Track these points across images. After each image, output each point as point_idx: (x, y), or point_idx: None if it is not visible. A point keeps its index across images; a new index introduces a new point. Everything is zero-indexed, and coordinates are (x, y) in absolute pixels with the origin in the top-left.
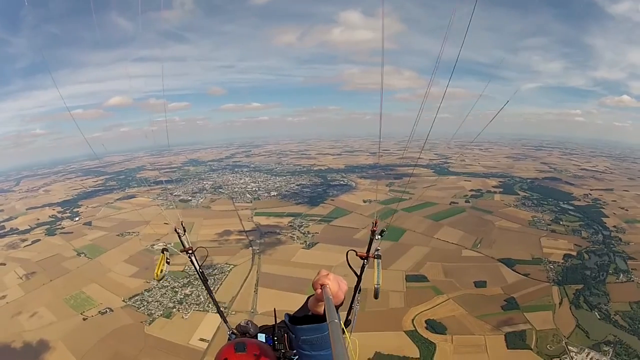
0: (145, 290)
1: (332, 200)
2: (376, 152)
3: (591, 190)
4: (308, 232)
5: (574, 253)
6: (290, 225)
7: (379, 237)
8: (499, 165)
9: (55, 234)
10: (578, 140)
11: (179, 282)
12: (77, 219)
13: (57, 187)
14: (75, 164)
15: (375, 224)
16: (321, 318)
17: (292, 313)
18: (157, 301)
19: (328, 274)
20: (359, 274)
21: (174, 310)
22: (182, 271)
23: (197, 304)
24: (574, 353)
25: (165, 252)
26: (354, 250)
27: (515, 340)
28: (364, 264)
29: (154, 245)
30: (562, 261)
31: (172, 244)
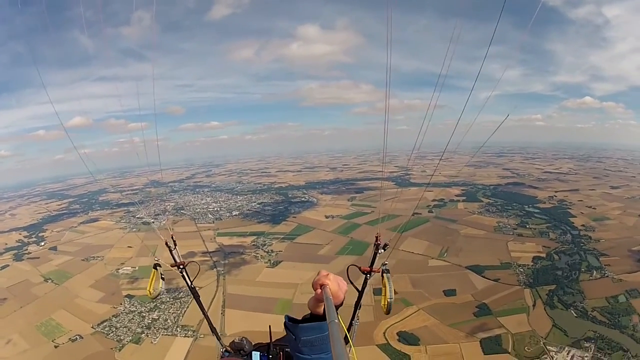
0: (112, 315)
1: (295, 217)
2: (336, 167)
3: (556, 192)
4: (272, 250)
5: (544, 255)
6: (254, 245)
7: (382, 250)
8: (461, 174)
9: (23, 259)
10: (540, 145)
11: (146, 307)
12: (42, 243)
13: (22, 210)
14: (39, 186)
15: (378, 238)
16: (322, 318)
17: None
18: (125, 327)
19: (328, 274)
20: (360, 289)
21: (143, 335)
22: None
23: (165, 329)
24: (553, 352)
25: (157, 267)
26: (356, 266)
27: (491, 345)
28: (366, 278)
29: (118, 269)
30: (532, 264)
31: (158, 259)
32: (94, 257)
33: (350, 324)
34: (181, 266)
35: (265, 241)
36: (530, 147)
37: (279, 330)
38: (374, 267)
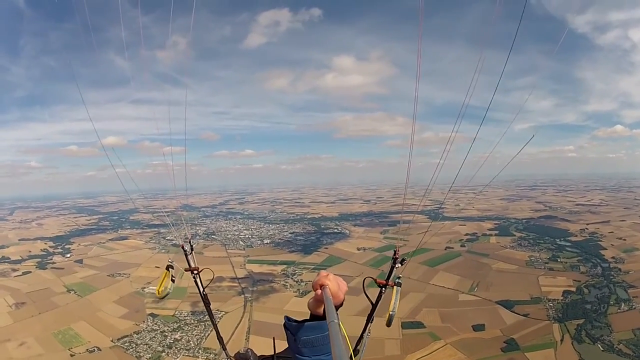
0: (134, 332)
1: (326, 248)
2: (369, 199)
3: (587, 224)
4: (301, 280)
5: (574, 289)
6: (284, 274)
7: (399, 265)
8: (494, 208)
9: (47, 268)
10: (572, 176)
11: (169, 327)
12: (68, 255)
13: (50, 221)
14: (69, 200)
15: (397, 252)
16: (322, 319)
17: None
18: (146, 344)
19: (328, 275)
20: (374, 302)
21: (163, 354)
22: (173, 315)
23: (186, 349)
24: None
25: (170, 269)
26: (372, 278)
27: None
28: (381, 291)
29: (144, 288)
30: (562, 298)
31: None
32: (120, 273)
33: (361, 337)
34: (195, 271)
35: (295, 270)
36: (562, 179)
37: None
38: (390, 280)
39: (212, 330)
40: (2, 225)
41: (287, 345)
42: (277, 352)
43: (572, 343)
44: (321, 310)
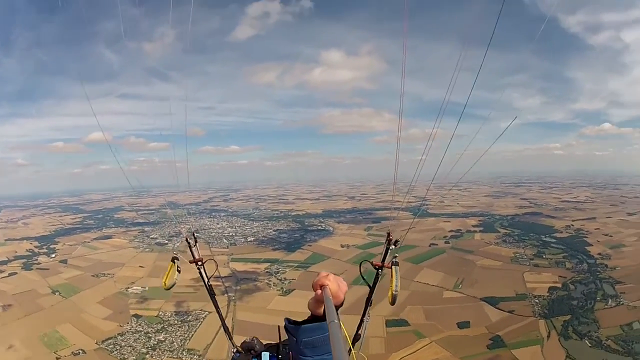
0: (118, 334)
1: (310, 245)
2: (354, 196)
3: (573, 221)
4: (285, 278)
5: (559, 285)
6: (267, 272)
7: (393, 247)
8: (478, 204)
9: (32, 269)
10: (558, 174)
11: (153, 328)
12: (53, 255)
13: (35, 220)
14: (55, 199)
15: (390, 234)
16: (322, 319)
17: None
18: (130, 346)
19: (328, 275)
20: (371, 285)
21: (147, 356)
22: (157, 316)
23: (170, 351)
24: None
25: (176, 260)
26: (369, 261)
27: None
28: (377, 273)
29: (128, 288)
30: (547, 294)
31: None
32: (104, 274)
33: (361, 321)
34: (199, 262)
35: (279, 269)
36: (548, 177)
37: None
38: (385, 262)
39: (195, 331)
40: None
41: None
42: (282, 340)
43: (558, 339)
44: (321, 310)
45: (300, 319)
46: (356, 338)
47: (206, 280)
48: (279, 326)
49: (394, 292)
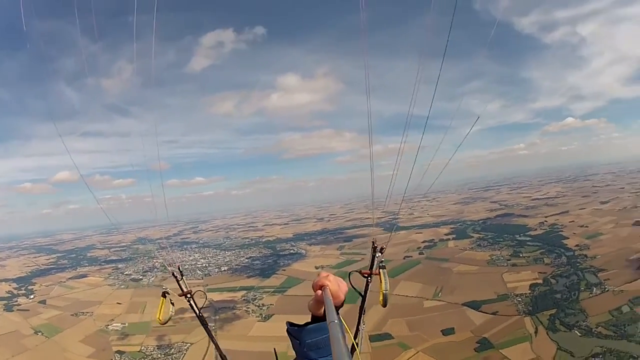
0: None
1: (284, 270)
2: (323, 217)
3: (546, 217)
4: (263, 304)
5: (540, 281)
6: (244, 299)
7: (379, 254)
8: (448, 213)
9: (13, 310)
10: (525, 173)
11: None
12: (32, 296)
13: (11, 262)
14: (27, 240)
15: (375, 242)
16: (324, 320)
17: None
18: None
19: (328, 275)
20: (362, 293)
21: None
22: (139, 351)
23: None
24: None
25: (166, 295)
26: (357, 271)
27: None
28: (367, 282)
29: (108, 325)
30: (529, 292)
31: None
32: (83, 312)
33: (357, 330)
34: (189, 295)
35: (255, 295)
36: (516, 177)
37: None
38: (373, 270)
39: None
40: None
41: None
42: None
43: (547, 333)
44: (322, 311)
45: (285, 342)
46: (353, 348)
47: (197, 311)
48: (274, 349)
49: (384, 292)
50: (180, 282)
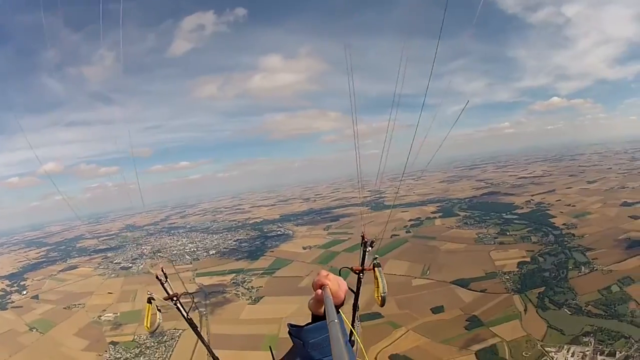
0: None
1: (272, 251)
2: (309, 197)
3: (532, 196)
4: (252, 287)
5: (528, 259)
6: (234, 283)
7: (370, 248)
8: (434, 191)
9: (7, 309)
10: (511, 152)
11: (131, 353)
12: (24, 292)
13: (3, 259)
14: (17, 235)
15: (364, 236)
16: (324, 318)
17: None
18: None
19: (328, 275)
20: (355, 290)
21: None
22: (133, 341)
23: None
24: (552, 353)
25: (152, 301)
26: (348, 267)
27: (488, 356)
28: (359, 277)
29: (100, 316)
30: (517, 270)
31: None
32: (75, 304)
33: (352, 327)
34: (174, 298)
35: (245, 278)
36: (501, 156)
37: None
38: (365, 265)
39: (173, 351)
40: None
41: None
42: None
43: (537, 311)
44: (322, 310)
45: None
46: (351, 344)
47: (185, 314)
48: (270, 347)
49: (382, 295)
50: (165, 284)
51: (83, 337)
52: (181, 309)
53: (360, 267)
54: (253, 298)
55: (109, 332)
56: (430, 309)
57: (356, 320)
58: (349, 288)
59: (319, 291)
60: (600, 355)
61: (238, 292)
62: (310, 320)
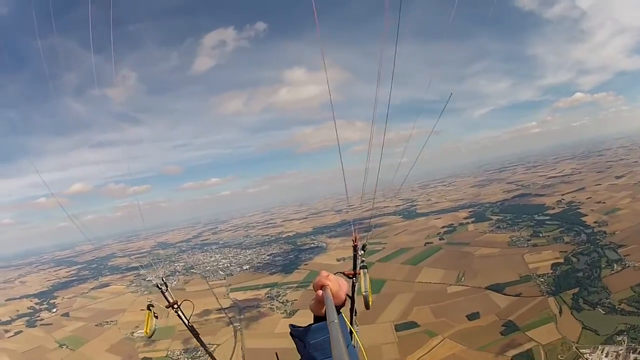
0: None
1: (306, 264)
2: (341, 209)
3: (563, 195)
4: (287, 300)
5: (561, 260)
6: (268, 297)
7: (362, 252)
8: (466, 196)
9: (36, 326)
10: (539, 152)
11: None
12: (54, 310)
13: (31, 278)
14: (46, 254)
15: (354, 240)
16: (325, 319)
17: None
18: None
19: (328, 275)
20: (350, 294)
21: None
22: (166, 356)
23: None
24: (587, 354)
25: (151, 307)
26: (341, 272)
27: None
28: (353, 282)
29: (133, 333)
30: (551, 271)
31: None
32: (107, 321)
33: (350, 332)
34: (175, 305)
35: (279, 292)
36: (530, 156)
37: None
38: (357, 269)
39: None
40: None
41: None
42: None
43: (571, 313)
44: (323, 311)
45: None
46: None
47: (186, 321)
48: (276, 353)
49: (364, 294)
50: (166, 293)
51: (115, 354)
52: (182, 316)
53: (353, 272)
54: (288, 311)
55: (142, 348)
56: (466, 316)
57: (354, 324)
58: (348, 296)
59: (320, 292)
60: (633, 353)
61: (273, 306)
62: (312, 322)
